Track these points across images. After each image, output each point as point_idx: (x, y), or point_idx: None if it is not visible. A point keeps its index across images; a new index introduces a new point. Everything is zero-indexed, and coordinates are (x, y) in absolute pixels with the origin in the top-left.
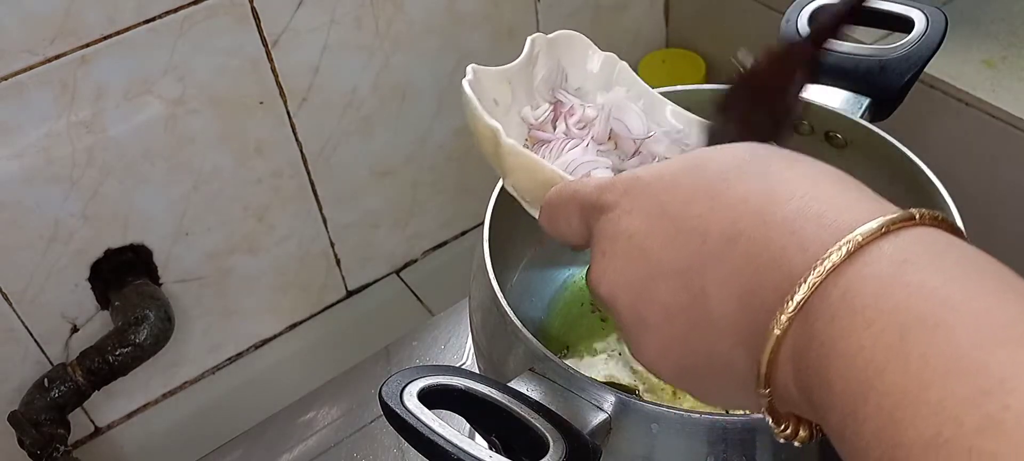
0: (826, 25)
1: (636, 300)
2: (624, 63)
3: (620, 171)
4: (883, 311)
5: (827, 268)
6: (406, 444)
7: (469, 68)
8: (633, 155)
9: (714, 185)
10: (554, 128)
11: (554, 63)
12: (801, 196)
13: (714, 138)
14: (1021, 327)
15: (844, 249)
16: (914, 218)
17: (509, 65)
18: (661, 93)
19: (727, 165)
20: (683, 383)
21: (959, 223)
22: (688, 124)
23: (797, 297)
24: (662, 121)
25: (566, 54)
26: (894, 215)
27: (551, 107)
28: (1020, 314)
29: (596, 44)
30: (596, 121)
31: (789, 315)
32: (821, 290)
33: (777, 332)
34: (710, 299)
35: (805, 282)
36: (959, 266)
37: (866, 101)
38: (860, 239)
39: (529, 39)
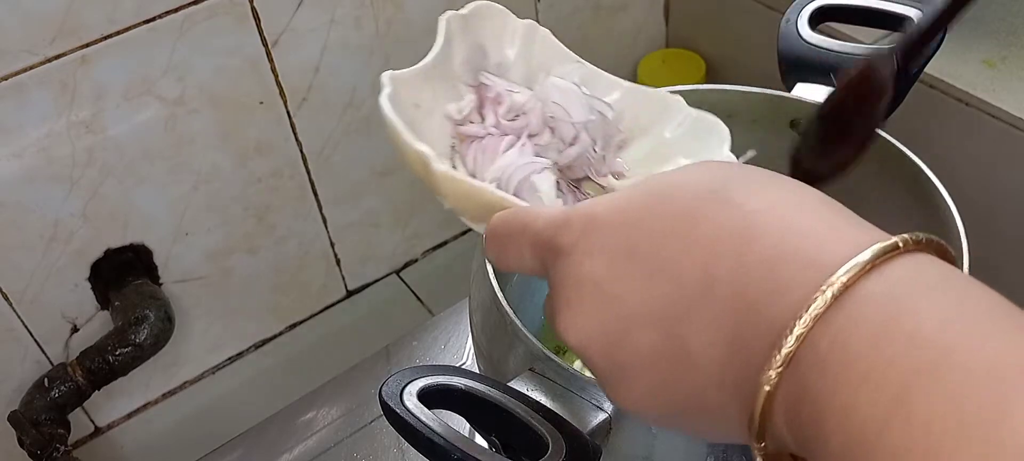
0: (913, 41)
1: (611, 348)
2: (546, 30)
3: (557, 164)
4: (878, 364)
5: (813, 315)
6: (406, 444)
7: (385, 77)
8: (572, 142)
9: (682, 222)
10: (482, 118)
11: (472, 42)
12: (776, 229)
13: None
14: None
15: (829, 293)
16: (898, 247)
17: (426, 60)
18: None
19: (693, 195)
20: (672, 425)
21: (960, 230)
22: (606, 88)
23: (784, 350)
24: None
25: (483, 30)
26: (878, 247)
27: (475, 93)
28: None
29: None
30: (529, 111)
31: (778, 370)
32: (808, 340)
33: (767, 388)
34: (692, 347)
35: (792, 333)
36: (954, 303)
37: None
38: (845, 280)
39: (442, 20)
